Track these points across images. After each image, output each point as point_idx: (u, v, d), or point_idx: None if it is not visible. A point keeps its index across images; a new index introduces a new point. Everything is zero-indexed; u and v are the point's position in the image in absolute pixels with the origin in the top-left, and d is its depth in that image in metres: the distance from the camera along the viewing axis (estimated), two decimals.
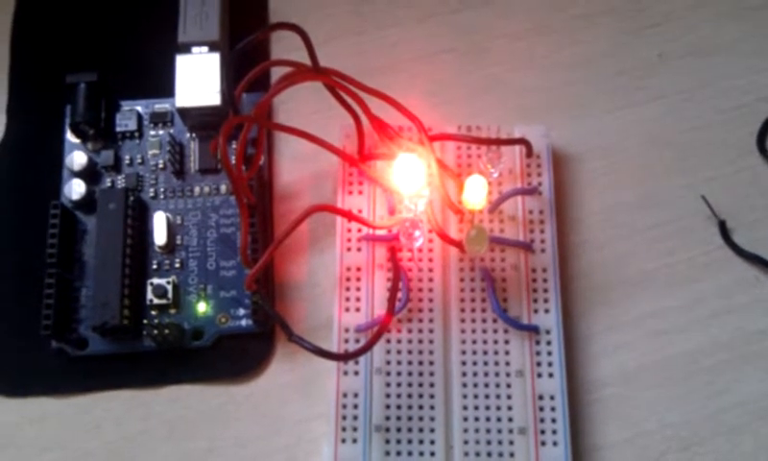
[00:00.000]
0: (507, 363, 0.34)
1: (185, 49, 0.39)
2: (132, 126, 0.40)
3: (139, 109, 0.40)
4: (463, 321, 0.35)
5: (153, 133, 0.40)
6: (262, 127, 0.36)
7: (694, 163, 0.39)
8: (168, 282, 0.37)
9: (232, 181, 0.34)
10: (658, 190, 0.38)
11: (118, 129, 0.40)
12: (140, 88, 0.40)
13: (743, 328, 0.36)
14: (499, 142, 0.36)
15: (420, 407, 0.34)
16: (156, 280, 0.37)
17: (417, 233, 0.34)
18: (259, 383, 0.36)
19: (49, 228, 0.37)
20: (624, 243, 0.37)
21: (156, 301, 0.37)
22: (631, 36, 0.41)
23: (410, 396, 0.34)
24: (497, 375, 0.34)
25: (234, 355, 0.36)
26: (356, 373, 0.34)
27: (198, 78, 0.38)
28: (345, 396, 0.34)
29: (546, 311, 0.35)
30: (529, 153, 0.37)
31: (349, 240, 0.37)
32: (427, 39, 0.41)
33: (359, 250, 0.36)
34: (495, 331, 0.35)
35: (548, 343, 0.34)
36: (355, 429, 0.33)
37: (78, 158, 0.39)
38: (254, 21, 0.41)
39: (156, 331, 0.35)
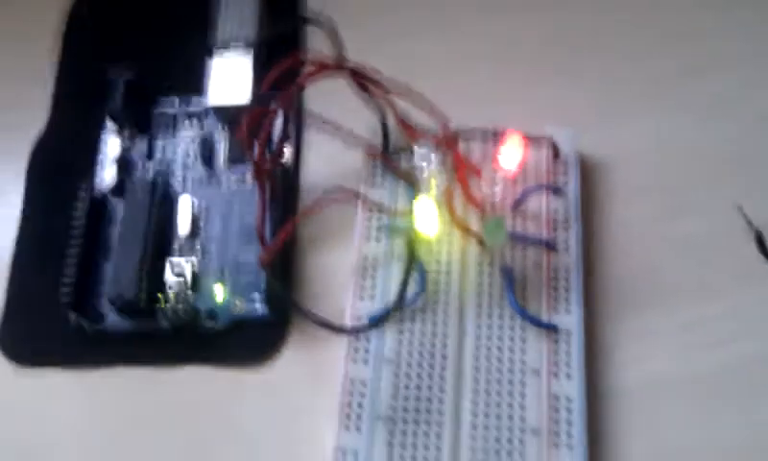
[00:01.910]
0: (522, 361, 0.31)
1: (221, 46, 0.38)
2: (167, 120, 0.38)
3: (175, 104, 0.38)
4: (479, 316, 0.32)
5: (186, 126, 0.38)
6: (287, 116, 0.34)
7: (730, 173, 0.35)
8: (187, 262, 0.34)
9: (253, 163, 0.32)
10: (691, 200, 0.34)
11: (154, 122, 0.38)
12: (179, 84, 0.39)
13: None
14: (526, 140, 0.33)
15: (429, 400, 0.30)
16: (175, 259, 0.34)
17: None
18: (270, 370, 0.33)
19: (77, 209, 0.35)
20: (654, 252, 0.33)
21: (173, 280, 0.34)
22: (668, 45, 0.38)
23: (419, 388, 0.30)
24: (511, 372, 0.30)
25: (248, 341, 0.33)
26: (366, 361, 0.31)
27: (231, 76, 0.37)
28: (352, 383, 0.31)
29: (568, 312, 0.31)
30: (556, 154, 0.34)
31: (369, 230, 0.34)
32: (457, 43, 0.39)
33: (378, 240, 0.33)
34: (512, 329, 0.31)
35: (567, 344, 0.31)
36: (360, 418, 0.30)
37: (112, 146, 0.37)
38: (292, 23, 0.40)
39: (170, 308, 0.33)
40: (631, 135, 0.36)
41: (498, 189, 0.31)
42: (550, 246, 0.32)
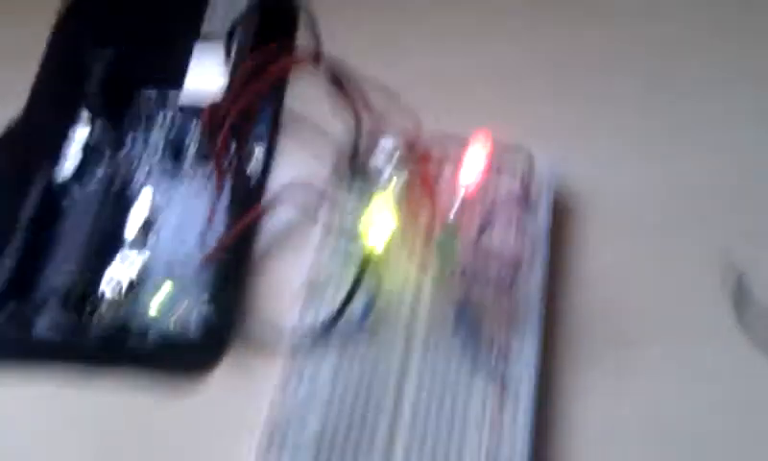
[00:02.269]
0: (465, 411, 0.27)
1: (206, 39, 0.36)
2: (143, 112, 0.36)
3: (152, 96, 0.36)
4: (426, 351, 0.28)
5: (160, 119, 0.36)
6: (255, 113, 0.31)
7: (711, 217, 0.31)
8: (128, 269, 0.32)
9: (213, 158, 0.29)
10: (670, 243, 0.31)
11: (129, 113, 0.36)
12: (161, 76, 0.37)
13: (755, 403, 0.28)
14: (496, 153, 0.30)
15: (359, 439, 0.27)
16: (117, 269, 0.32)
17: None
18: (198, 393, 0.30)
19: (30, 196, 0.33)
20: (627, 298, 0.30)
21: (110, 289, 0.32)
22: (654, 87, 0.34)
23: (350, 423, 0.27)
24: (451, 423, 0.27)
25: (177, 360, 0.31)
26: (297, 388, 0.28)
27: (210, 71, 0.35)
28: (279, 410, 0.28)
29: (521, 352, 0.28)
30: (530, 180, 0.31)
31: (325, 246, 0.31)
32: (450, 60, 0.36)
33: (333, 258, 0.31)
34: (458, 372, 0.28)
35: (516, 399, 0.27)
36: (282, 449, 0.27)
37: (81, 134, 0.35)
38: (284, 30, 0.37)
39: (100, 317, 0.31)
40: (612, 173, 0.32)
41: (460, 199, 0.28)
42: (510, 280, 0.29)
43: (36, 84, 0.37)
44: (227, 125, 0.30)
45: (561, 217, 0.31)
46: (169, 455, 0.29)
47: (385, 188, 0.29)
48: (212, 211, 0.29)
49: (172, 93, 0.36)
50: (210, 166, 0.33)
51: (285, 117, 0.33)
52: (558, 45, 0.36)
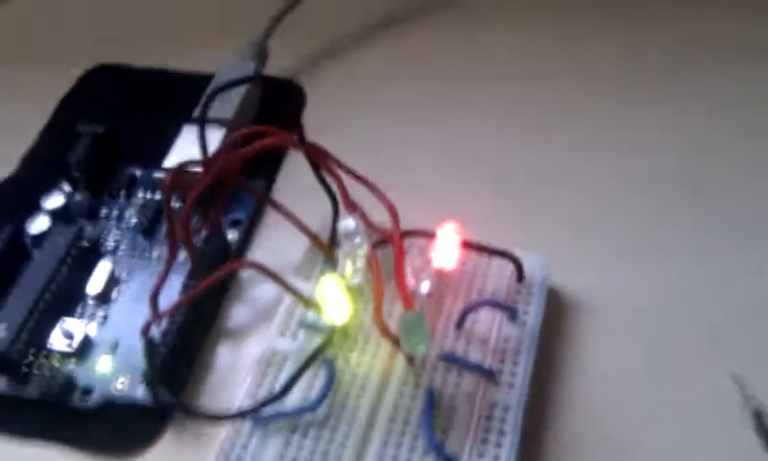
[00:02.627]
0: None
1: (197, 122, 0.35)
2: (123, 185, 0.35)
3: (137, 172, 0.35)
4: (385, 444, 0.25)
5: (140, 195, 0.34)
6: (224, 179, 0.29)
7: (726, 334, 0.28)
8: (83, 325, 0.29)
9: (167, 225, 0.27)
10: (679, 361, 0.27)
11: (109, 186, 0.35)
12: (149, 154, 0.35)
13: None
14: (482, 249, 0.27)
15: None
16: (69, 320, 0.29)
17: None
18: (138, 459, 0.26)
19: None
20: (623, 415, 0.26)
21: (58, 343, 0.29)
22: (677, 198, 0.32)
23: None
24: None
25: (118, 426, 0.27)
26: None
27: (194, 151, 0.33)
28: None
29: (495, 459, 0.24)
30: (519, 277, 0.28)
31: (288, 326, 0.28)
32: (444, 153, 0.34)
33: (294, 338, 0.27)
34: None
35: None
36: None
37: (54, 200, 0.34)
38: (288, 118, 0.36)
39: (42, 373, 0.27)
40: (613, 278, 0.30)
41: (428, 286, 0.25)
42: (490, 375, 0.25)
43: (30, 151, 0.37)
44: (192, 194, 0.27)
45: (551, 318, 0.27)
46: None
47: (353, 268, 0.26)
48: (158, 283, 0.26)
49: (156, 173, 0.34)
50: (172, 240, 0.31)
51: (272, 198, 0.31)
52: (550, 141, 0.34)
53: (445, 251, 0.25)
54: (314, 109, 0.37)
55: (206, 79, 0.36)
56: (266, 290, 0.30)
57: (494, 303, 0.26)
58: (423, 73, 0.38)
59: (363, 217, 0.28)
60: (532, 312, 0.27)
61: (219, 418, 0.25)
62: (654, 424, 0.26)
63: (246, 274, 0.31)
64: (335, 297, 0.25)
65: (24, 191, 0.35)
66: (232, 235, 0.32)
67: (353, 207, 0.28)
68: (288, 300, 0.28)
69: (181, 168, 0.27)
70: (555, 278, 0.28)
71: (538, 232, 0.30)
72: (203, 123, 0.29)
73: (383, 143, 0.35)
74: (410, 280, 0.25)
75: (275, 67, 0.38)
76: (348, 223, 0.25)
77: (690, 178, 0.32)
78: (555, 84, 0.36)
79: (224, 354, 0.29)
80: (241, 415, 0.24)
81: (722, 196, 0.31)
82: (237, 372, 0.28)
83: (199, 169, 0.30)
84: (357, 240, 0.25)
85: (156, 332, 0.27)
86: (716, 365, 0.26)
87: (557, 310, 0.28)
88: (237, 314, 0.30)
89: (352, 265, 0.25)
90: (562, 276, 0.29)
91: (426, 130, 0.35)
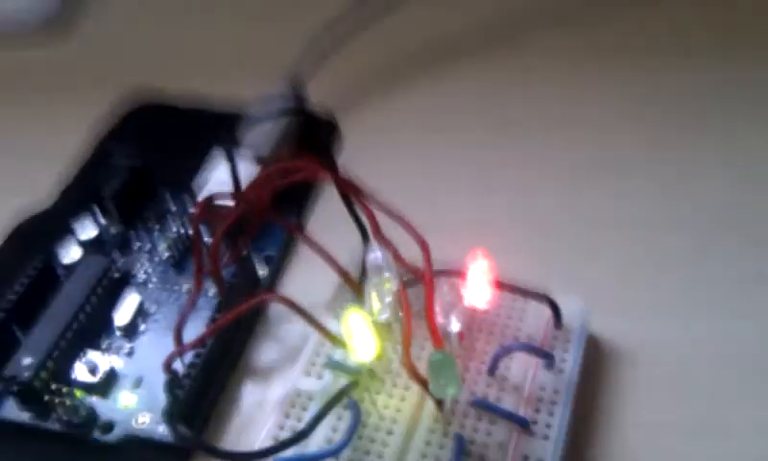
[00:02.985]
0: None
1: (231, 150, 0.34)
2: (157, 218, 0.34)
3: (171, 205, 0.35)
4: None
5: (174, 229, 0.34)
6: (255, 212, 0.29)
7: None
8: (107, 358, 0.29)
9: (195, 252, 0.27)
10: (724, 418, 0.25)
11: (143, 218, 0.34)
12: (184, 189, 0.35)
13: None
14: (516, 290, 0.26)
15: None
16: (91, 355, 0.29)
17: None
18: None
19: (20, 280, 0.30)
20: None
21: (81, 376, 0.28)
22: (728, 247, 0.30)
23: None
24: None
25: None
26: None
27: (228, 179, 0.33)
28: None
29: None
30: (557, 323, 0.26)
31: (314, 365, 0.27)
32: (481, 191, 0.33)
33: (319, 377, 0.26)
34: None
35: None
36: None
37: (88, 230, 0.34)
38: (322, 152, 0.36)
39: (65, 407, 0.27)
40: (655, 327, 0.28)
41: (458, 325, 0.24)
42: (524, 425, 0.24)
43: (66, 181, 0.37)
44: (221, 226, 0.27)
45: (589, 364, 0.26)
46: None
47: (380, 303, 0.24)
48: (183, 314, 0.26)
49: (190, 206, 0.34)
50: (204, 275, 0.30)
51: (303, 231, 0.30)
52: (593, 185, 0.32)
53: (477, 288, 0.24)
54: (349, 146, 0.36)
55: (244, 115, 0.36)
56: (294, 328, 0.29)
57: (530, 348, 0.25)
58: (462, 112, 0.37)
59: (394, 253, 0.27)
60: (570, 360, 0.25)
61: (240, 457, 0.23)
62: None
63: (274, 310, 0.30)
64: (360, 332, 0.23)
65: (58, 221, 0.34)
66: (263, 271, 0.32)
67: (384, 242, 0.27)
68: (315, 338, 0.27)
69: (210, 200, 0.26)
70: (594, 324, 0.27)
71: (577, 276, 0.29)
72: (233, 155, 0.29)
73: (417, 182, 0.34)
74: (439, 319, 0.23)
75: (311, 103, 0.37)
76: (375, 255, 0.24)
77: (740, 227, 0.30)
78: (599, 127, 0.35)
79: (248, 392, 0.28)
80: (261, 454, 0.23)
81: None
82: (261, 410, 0.27)
83: (230, 203, 0.30)
84: (386, 274, 0.24)
85: (180, 366, 0.26)
86: (763, 422, 0.24)
87: (595, 357, 0.27)
88: (263, 351, 0.29)
89: (379, 300, 0.24)
90: (601, 322, 0.27)
91: (464, 168, 0.34)
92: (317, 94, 0.38)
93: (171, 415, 0.25)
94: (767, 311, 0.28)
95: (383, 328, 0.25)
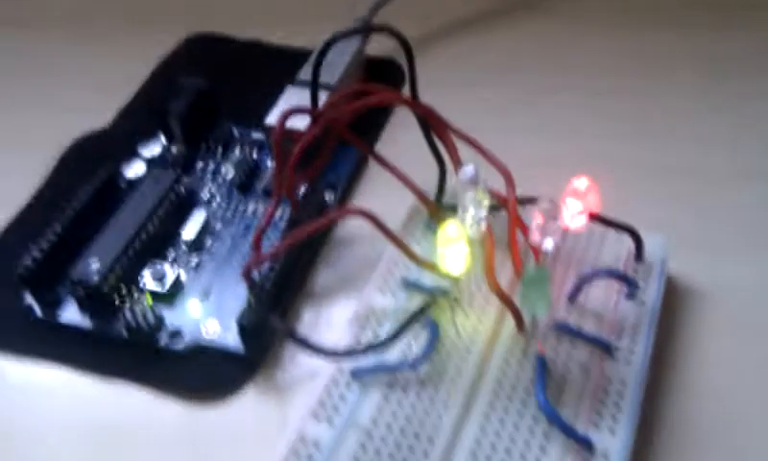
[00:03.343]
0: None
1: (301, 85, 0.34)
2: (221, 142, 0.34)
3: (235, 130, 0.34)
4: (492, 407, 0.23)
5: (237, 153, 0.33)
6: (334, 129, 0.28)
7: None
8: (174, 269, 0.28)
9: (277, 167, 0.26)
10: None
11: (207, 141, 0.34)
12: (250, 114, 0.34)
13: None
14: (603, 221, 0.25)
15: None
16: (159, 264, 0.28)
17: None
18: (221, 411, 0.25)
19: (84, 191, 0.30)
20: (745, 404, 0.24)
21: (149, 283, 0.28)
22: None
23: None
24: None
25: (206, 372, 0.26)
26: (330, 421, 0.23)
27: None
28: (302, 443, 0.22)
29: (612, 432, 0.22)
30: (638, 255, 0.26)
31: (387, 283, 0.26)
32: (557, 133, 0.33)
33: (393, 296, 0.26)
34: (531, 432, 0.22)
35: None
36: None
37: (152, 148, 0.33)
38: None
39: (133, 312, 0.26)
40: (733, 269, 0.28)
41: (553, 243, 0.23)
42: (607, 349, 0.23)
43: (129, 103, 0.36)
44: (302, 141, 0.26)
45: (667, 302, 0.25)
46: (187, 458, 0.24)
47: (473, 218, 0.24)
48: (266, 222, 0.25)
49: (254, 132, 0.34)
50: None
51: (374, 160, 0.29)
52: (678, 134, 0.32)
53: (575, 209, 0.23)
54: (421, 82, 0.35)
55: (306, 54, 0.35)
56: (362, 252, 0.28)
57: (616, 274, 0.24)
58: (535, 56, 0.37)
59: None
60: (652, 291, 0.25)
61: (329, 353, 0.23)
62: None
63: (339, 234, 0.29)
64: (456, 245, 0.23)
65: (122, 140, 0.34)
66: (329, 197, 0.31)
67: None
68: (388, 257, 0.26)
69: (291, 111, 0.26)
70: (673, 265, 0.26)
71: (657, 218, 0.28)
72: (317, 70, 0.28)
73: (484, 128, 0.33)
74: (536, 236, 0.23)
75: (377, 49, 0.37)
76: (470, 168, 0.23)
77: None
78: (674, 76, 0.35)
79: (316, 311, 0.27)
80: (349, 353, 0.23)
81: None
82: (330, 329, 0.26)
83: (303, 128, 0.29)
84: (481, 188, 0.23)
85: (256, 276, 0.26)
86: None
87: (673, 296, 0.26)
88: (331, 273, 0.28)
89: (473, 216, 0.23)
90: (680, 263, 0.27)
91: (540, 112, 0.34)
92: (381, 41, 0.37)
93: (258, 310, 0.24)
94: None
95: (471, 247, 0.24)
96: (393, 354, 0.24)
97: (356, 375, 0.23)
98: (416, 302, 0.25)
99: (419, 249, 0.26)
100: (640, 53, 0.37)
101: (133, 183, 0.31)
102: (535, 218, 0.23)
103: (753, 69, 0.35)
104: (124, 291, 0.27)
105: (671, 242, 0.26)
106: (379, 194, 0.31)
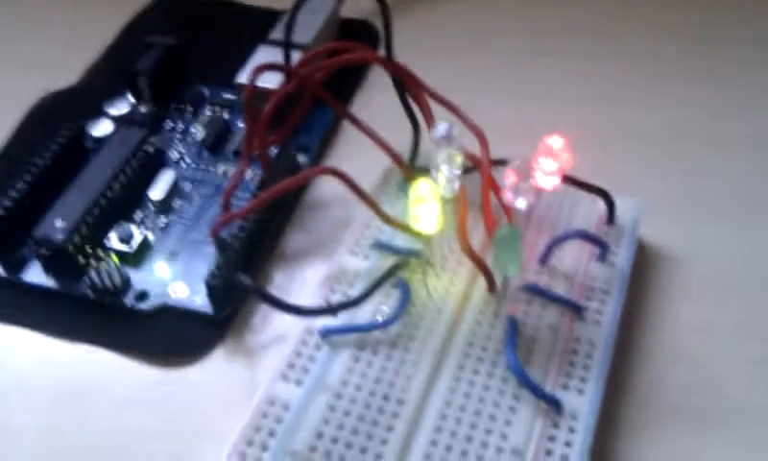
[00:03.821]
0: (503, 436, 0.21)
1: (274, 44, 0.33)
2: (191, 101, 0.33)
3: (205, 90, 0.33)
4: (461, 367, 0.23)
5: (208, 113, 0.33)
6: (307, 87, 0.27)
7: None
8: (141, 231, 0.27)
9: (247, 126, 0.25)
10: (764, 319, 0.25)
11: (176, 100, 0.33)
12: (221, 76, 0.33)
13: None
14: (575, 183, 0.25)
15: (363, 451, 0.21)
16: (125, 225, 0.28)
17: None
18: (187, 373, 0.25)
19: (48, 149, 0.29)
20: (713, 368, 0.24)
21: (116, 244, 0.27)
22: None
23: (355, 432, 0.21)
24: (485, 446, 0.21)
25: (173, 333, 0.26)
26: (299, 382, 0.22)
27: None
28: (270, 403, 0.22)
29: (580, 392, 0.22)
30: (611, 218, 0.26)
31: (358, 245, 0.26)
32: (530, 100, 0.32)
33: (365, 258, 0.26)
34: (501, 393, 0.22)
35: (571, 431, 0.21)
36: (265, 449, 0.21)
37: (119, 107, 0.32)
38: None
39: (98, 272, 0.26)
40: (702, 234, 0.28)
41: (526, 203, 0.23)
42: (577, 310, 0.23)
43: (97, 62, 0.36)
44: (274, 99, 0.26)
45: (638, 265, 0.25)
46: (150, 425, 0.23)
47: (446, 177, 0.24)
48: (235, 182, 0.25)
49: (225, 93, 0.33)
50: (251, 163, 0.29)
51: (348, 121, 0.29)
52: (651, 101, 0.32)
53: (548, 168, 0.23)
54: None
55: (280, 14, 0.34)
56: (335, 214, 0.28)
57: (587, 236, 0.24)
58: (508, 25, 0.36)
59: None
60: (623, 253, 0.25)
61: (296, 310, 0.23)
62: (737, 377, 0.23)
63: (315, 194, 0.29)
64: (428, 203, 0.22)
65: (89, 98, 0.33)
66: (302, 159, 0.31)
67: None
68: (360, 219, 0.26)
69: (263, 67, 0.25)
70: (645, 229, 0.26)
71: (631, 182, 0.28)
72: (289, 27, 0.28)
73: (460, 90, 0.33)
74: (508, 195, 0.23)
75: (353, 10, 0.36)
76: (444, 127, 0.23)
77: None
78: (652, 44, 0.35)
79: (288, 273, 0.27)
80: (317, 312, 0.22)
81: None
82: (303, 290, 0.26)
83: (275, 86, 0.29)
84: (455, 147, 0.23)
85: (225, 235, 0.25)
86: None
87: (644, 259, 0.26)
88: (303, 235, 0.28)
89: (446, 175, 0.23)
90: (652, 227, 0.26)
91: (516, 77, 0.34)
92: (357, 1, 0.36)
93: (227, 269, 0.24)
94: None
95: (444, 207, 0.24)
96: (363, 315, 0.23)
97: (326, 335, 0.23)
98: (388, 263, 0.25)
99: (392, 211, 0.26)
100: (620, 18, 0.36)
101: (100, 142, 0.31)
102: (507, 177, 0.22)
103: (732, 37, 0.35)
104: (89, 251, 0.26)
105: (644, 206, 0.26)
106: (353, 156, 0.30)
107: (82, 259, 0.26)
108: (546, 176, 0.23)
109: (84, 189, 0.28)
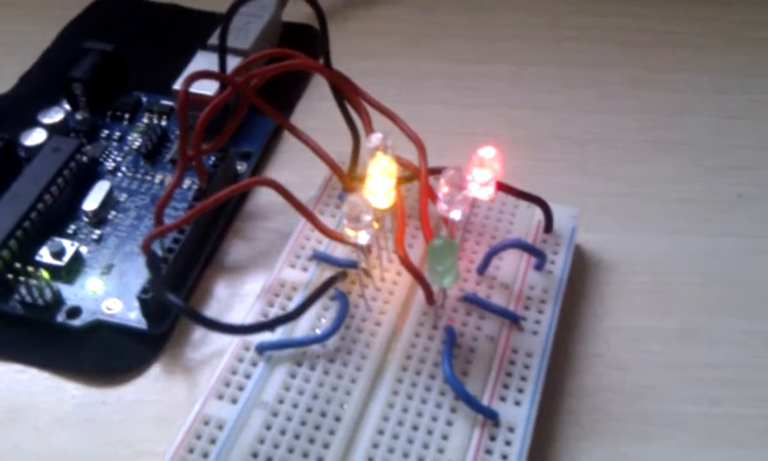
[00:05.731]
0: (440, 449, 0.21)
1: (212, 50, 0.32)
2: (128, 108, 0.32)
3: (142, 97, 0.32)
4: (399, 381, 0.22)
5: (145, 121, 0.32)
6: (243, 94, 0.27)
7: (762, 309, 0.25)
8: (72, 244, 0.26)
9: (181, 133, 0.25)
10: (710, 327, 0.25)
11: (113, 108, 0.32)
12: (156, 82, 0.33)
13: None
14: (512, 192, 0.25)
15: None
16: (58, 238, 0.27)
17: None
18: (122, 392, 0.24)
19: None
20: (651, 374, 0.24)
21: (47, 259, 0.26)
22: (710, 170, 0.30)
23: (291, 450, 0.21)
24: (421, 460, 0.20)
25: (107, 351, 0.25)
26: (234, 400, 0.22)
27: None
28: (205, 423, 0.21)
29: (517, 404, 0.22)
30: (548, 226, 0.26)
31: (298, 257, 0.25)
32: (470, 106, 0.32)
33: (304, 270, 0.25)
34: (438, 406, 0.22)
35: (507, 443, 0.21)
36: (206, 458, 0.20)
37: (53, 115, 0.31)
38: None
39: (29, 288, 0.25)
40: (638, 240, 0.28)
41: (461, 214, 0.23)
42: (515, 320, 0.23)
43: (31, 69, 0.34)
44: (209, 107, 0.25)
45: (575, 272, 0.25)
46: (83, 446, 0.23)
47: (374, 192, 0.23)
48: (167, 195, 0.24)
49: (163, 99, 0.32)
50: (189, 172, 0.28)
51: (288, 130, 0.28)
52: (585, 106, 0.32)
53: (483, 178, 0.23)
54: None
55: (221, 18, 0.34)
56: (275, 225, 0.27)
57: (524, 245, 0.24)
58: (451, 32, 0.36)
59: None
60: (560, 261, 0.25)
61: (226, 329, 0.22)
62: (675, 382, 0.24)
63: (255, 204, 0.28)
64: (383, 177, 0.22)
65: (22, 107, 0.32)
66: (241, 167, 0.30)
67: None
68: (300, 230, 0.25)
69: (197, 75, 0.25)
70: (583, 236, 0.26)
71: (566, 190, 0.28)
72: (224, 33, 0.27)
73: (400, 98, 0.33)
74: (442, 207, 0.22)
75: (296, 14, 0.36)
76: (376, 137, 0.23)
77: (722, 153, 0.30)
78: (591, 46, 0.35)
79: (226, 284, 0.26)
80: (249, 329, 0.22)
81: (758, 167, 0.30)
82: (241, 301, 0.25)
83: (211, 94, 0.28)
84: (387, 156, 0.23)
85: (158, 249, 0.25)
86: (738, 330, 0.25)
87: (582, 266, 0.26)
88: (242, 247, 0.27)
89: (381, 185, 0.23)
90: (587, 234, 0.27)
91: (453, 83, 0.33)
92: (299, 5, 0.36)
93: (157, 285, 0.23)
94: (745, 229, 0.28)
95: (380, 218, 0.23)
96: (302, 328, 0.23)
97: (262, 350, 0.22)
98: (327, 275, 0.24)
99: (333, 221, 0.25)
100: (559, 27, 0.36)
101: (33, 152, 0.29)
102: (440, 188, 0.22)
103: (666, 43, 0.35)
104: (18, 267, 0.25)
105: (582, 214, 0.26)
106: (295, 163, 0.30)
107: (10, 276, 0.25)
108: (481, 186, 0.22)
109: (14, 202, 0.27)
